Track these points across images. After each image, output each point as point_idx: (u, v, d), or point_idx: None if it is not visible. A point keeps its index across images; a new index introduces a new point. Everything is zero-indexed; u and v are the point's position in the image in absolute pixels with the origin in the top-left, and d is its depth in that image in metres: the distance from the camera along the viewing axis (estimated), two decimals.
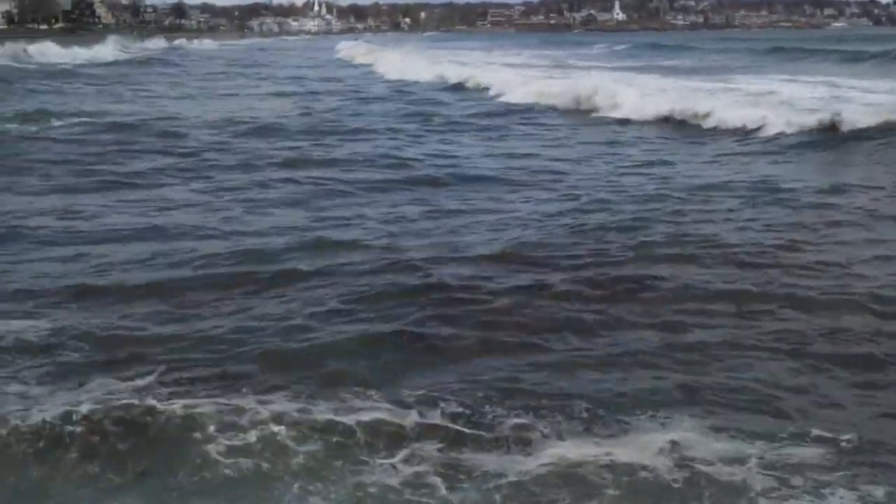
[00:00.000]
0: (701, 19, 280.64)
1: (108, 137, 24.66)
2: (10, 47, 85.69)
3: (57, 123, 27.97)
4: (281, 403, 7.51)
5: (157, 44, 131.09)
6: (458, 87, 44.91)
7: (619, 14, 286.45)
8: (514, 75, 44.92)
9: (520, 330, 9.38)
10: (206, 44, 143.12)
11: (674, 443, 6.68)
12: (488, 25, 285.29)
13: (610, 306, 10.05)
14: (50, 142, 23.84)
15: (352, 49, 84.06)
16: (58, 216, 14.89)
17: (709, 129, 26.21)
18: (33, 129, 26.47)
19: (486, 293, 10.57)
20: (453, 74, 49.56)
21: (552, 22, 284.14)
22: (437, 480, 6.31)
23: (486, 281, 11.03)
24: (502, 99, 37.05)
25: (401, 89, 44.77)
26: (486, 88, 41.59)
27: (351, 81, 52.27)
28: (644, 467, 6.38)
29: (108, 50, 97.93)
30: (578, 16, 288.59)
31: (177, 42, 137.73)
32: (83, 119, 29.07)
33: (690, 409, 7.41)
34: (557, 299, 10.34)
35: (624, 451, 6.60)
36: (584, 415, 7.30)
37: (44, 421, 7.19)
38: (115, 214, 15.16)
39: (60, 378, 8.19)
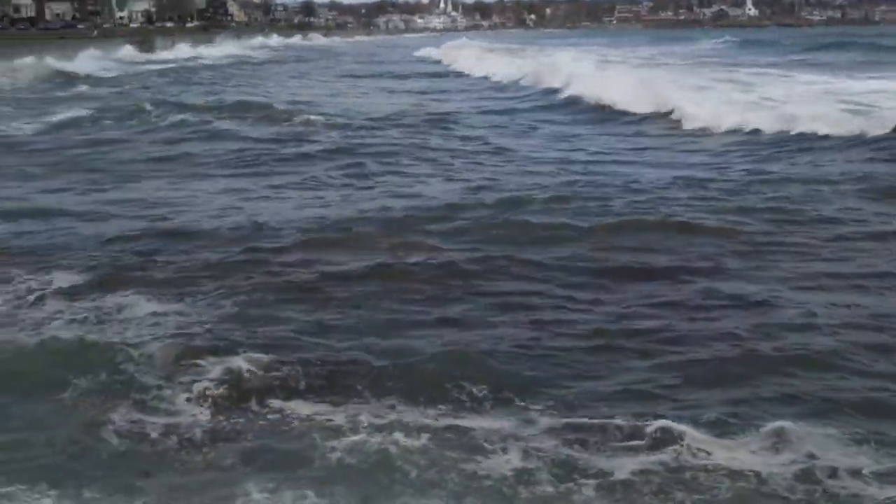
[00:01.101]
0: (838, 14, 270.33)
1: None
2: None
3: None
4: (398, 401, 7.74)
5: (279, 41, 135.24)
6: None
7: (751, 10, 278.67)
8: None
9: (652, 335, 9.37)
10: (336, 41, 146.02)
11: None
12: (615, 22, 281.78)
13: None
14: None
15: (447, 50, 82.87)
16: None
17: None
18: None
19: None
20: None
21: (681, 18, 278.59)
22: (548, 476, 6.41)
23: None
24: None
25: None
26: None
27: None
28: (757, 472, 6.34)
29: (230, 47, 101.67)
30: (709, 11, 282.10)
31: (297, 40, 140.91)
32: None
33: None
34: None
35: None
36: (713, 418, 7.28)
37: (166, 411, 7.61)
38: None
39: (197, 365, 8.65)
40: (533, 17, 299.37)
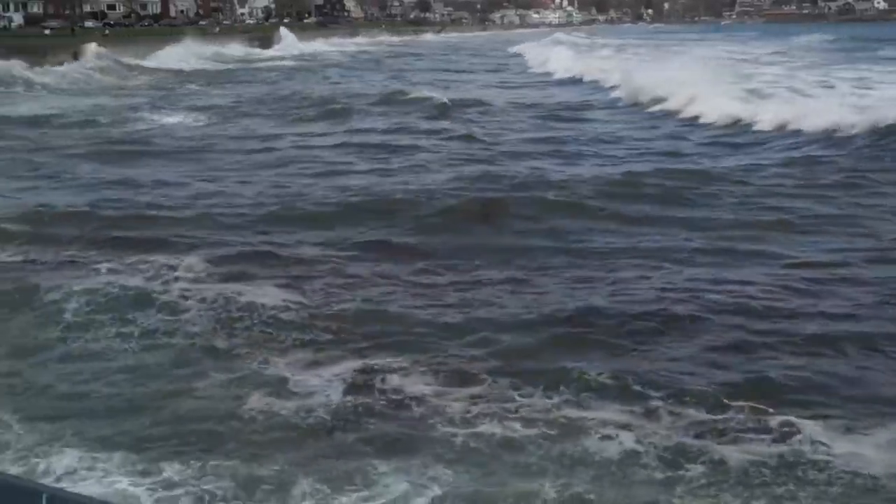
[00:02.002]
0: None
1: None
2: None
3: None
4: (516, 388, 7.99)
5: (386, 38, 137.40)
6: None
7: (880, 2, 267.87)
8: None
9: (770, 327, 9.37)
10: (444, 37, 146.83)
11: None
12: (734, 16, 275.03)
13: None
14: None
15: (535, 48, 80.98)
16: None
17: None
18: None
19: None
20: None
21: (804, 12, 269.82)
22: (657, 462, 6.56)
23: None
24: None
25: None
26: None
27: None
28: (875, 473, 6.34)
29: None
30: (834, 5, 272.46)
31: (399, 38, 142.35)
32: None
33: None
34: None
35: None
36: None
37: (293, 392, 8.04)
38: None
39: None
40: (650, 11, 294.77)
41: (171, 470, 6.76)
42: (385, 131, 26.67)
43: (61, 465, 6.83)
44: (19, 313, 10.34)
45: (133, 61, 64.78)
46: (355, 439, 7.26)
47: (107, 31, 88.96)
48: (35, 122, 30.71)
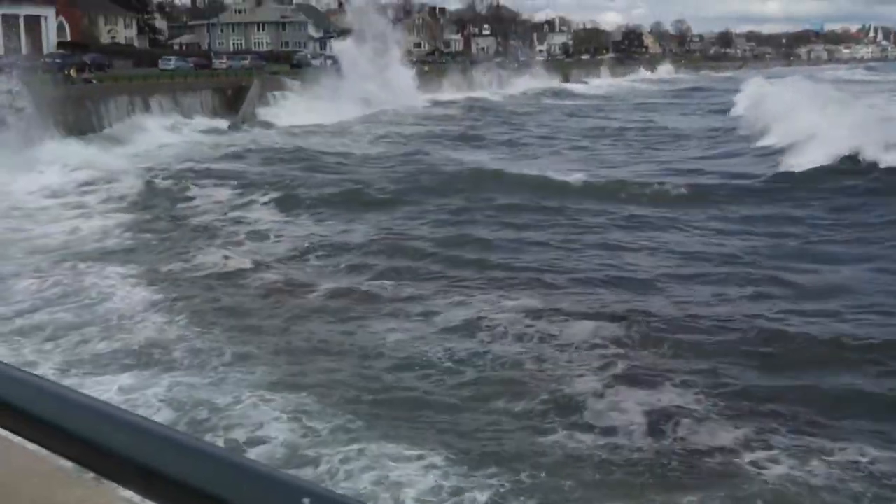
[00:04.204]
0: None
1: None
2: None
3: None
4: (810, 428, 7.89)
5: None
6: None
7: None
8: None
9: None
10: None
11: None
12: None
13: None
14: None
15: None
16: None
17: None
18: None
19: None
20: None
21: None
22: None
23: None
24: None
25: None
26: None
27: None
28: None
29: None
30: None
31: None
32: None
33: None
34: None
35: None
36: None
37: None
38: None
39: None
40: None
41: None
42: None
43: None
44: None
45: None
46: (660, 472, 7.53)
47: (426, 68, 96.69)
48: None
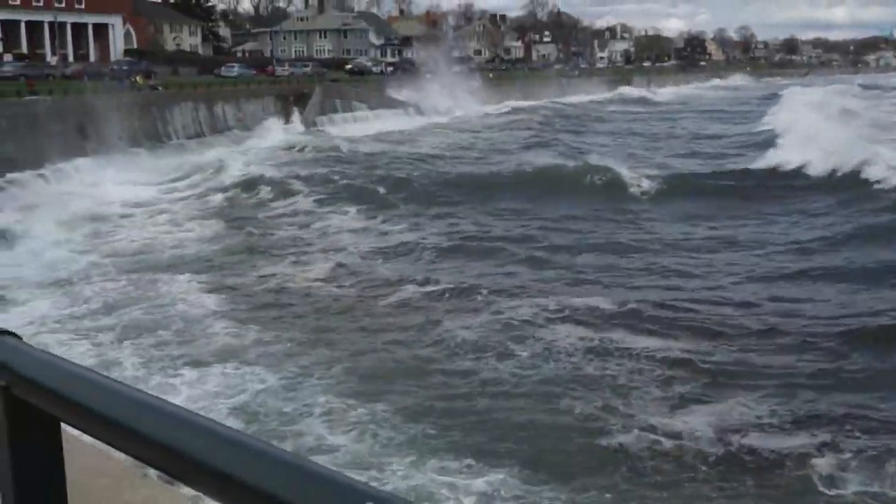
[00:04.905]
0: None
1: None
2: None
3: None
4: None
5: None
6: None
7: None
8: None
9: None
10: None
11: None
12: None
13: None
14: None
15: None
16: None
17: None
18: None
19: None
20: None
21: None
22: None
23: None
24: None
25: None
26: None
27: None
28: None
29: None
30: None
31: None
32: None
33: None
34: None
35: None
36: None
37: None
38: None
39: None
40: None
41: None
42: None
43: None
44: None
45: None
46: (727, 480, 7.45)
47: (490, 75, 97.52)
48: None
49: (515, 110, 71.73)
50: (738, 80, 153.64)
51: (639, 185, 27.61)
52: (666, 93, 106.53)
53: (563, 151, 40.35)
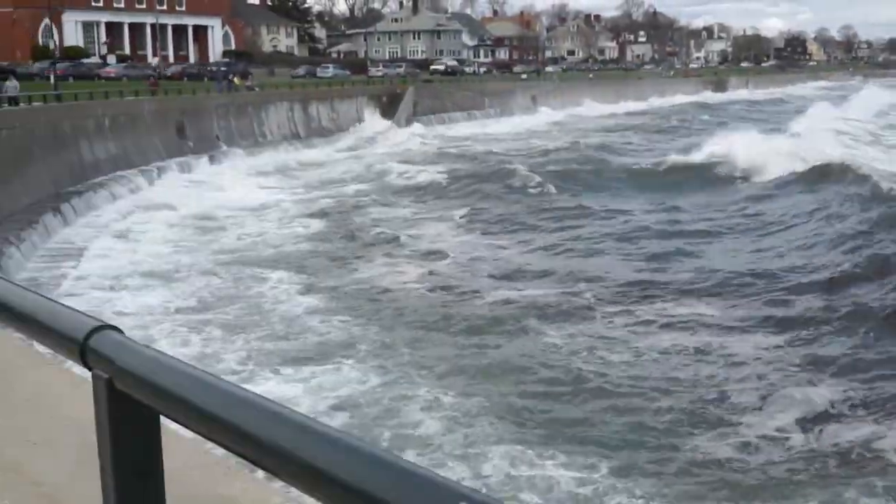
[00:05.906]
0: None
1: None
2: None
3: None
4: None
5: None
6: None
7: None
8: None
9: None
10: None
11: None
12: None
13: None
14: None
15: None
16: None
17: None
18: None
19: None
20: None
21: None
22: None
23: None
24: None
25: None
26: None
27: None
28: None
29: None
30: None
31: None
32: None
33: None
34: None
35: None
36: None
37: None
38: None
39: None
40: None
41: None
42: None
43: None
44: None
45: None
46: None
47: (591, 76, 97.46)
48: None
49: (618, 114, 71.12)
50: (843, 79, 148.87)
51: None
52: (778, 92, 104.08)
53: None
